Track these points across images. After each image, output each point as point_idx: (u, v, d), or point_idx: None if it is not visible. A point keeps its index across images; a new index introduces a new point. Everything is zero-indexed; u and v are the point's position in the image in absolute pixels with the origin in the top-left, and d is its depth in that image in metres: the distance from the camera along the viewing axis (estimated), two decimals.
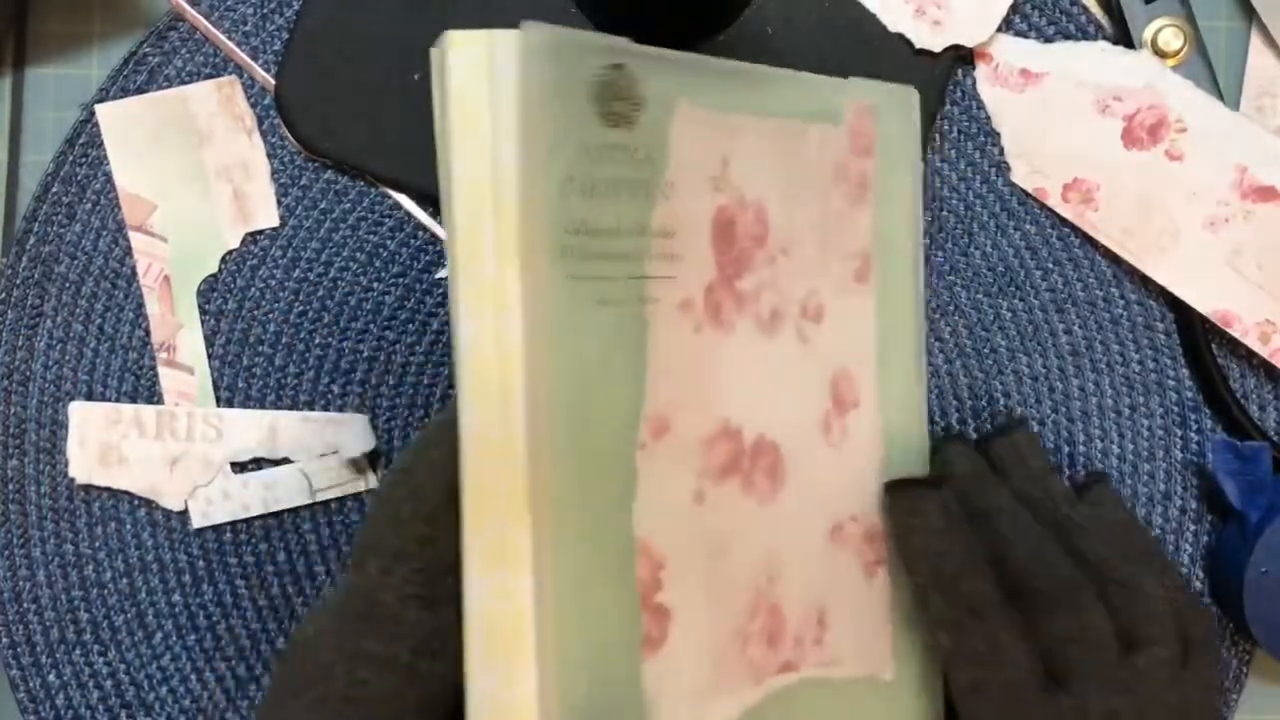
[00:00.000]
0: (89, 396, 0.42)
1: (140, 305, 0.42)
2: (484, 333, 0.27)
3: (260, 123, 0.43)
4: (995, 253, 0.43)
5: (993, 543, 0.34)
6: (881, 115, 0.37)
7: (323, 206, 0.43)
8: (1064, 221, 0.43)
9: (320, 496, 0.42)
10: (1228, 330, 0.41)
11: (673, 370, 0.30)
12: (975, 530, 0.34)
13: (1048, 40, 0.43)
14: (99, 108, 0.42)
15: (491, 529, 0.27)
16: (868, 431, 0.37)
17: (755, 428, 0.33)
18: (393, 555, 0.30)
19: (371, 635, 0.30)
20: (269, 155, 0.43)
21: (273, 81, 0.42)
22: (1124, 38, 0.42)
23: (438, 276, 0.43)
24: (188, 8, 0.43)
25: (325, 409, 0.42)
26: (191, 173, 0.43)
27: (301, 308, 0.43)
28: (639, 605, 0.29)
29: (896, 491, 0.35)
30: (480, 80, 0.27)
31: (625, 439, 0.29)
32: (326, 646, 0.30)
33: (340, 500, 0.42)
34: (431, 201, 0.43)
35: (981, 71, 0.42)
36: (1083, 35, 0.43)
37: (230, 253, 0.43)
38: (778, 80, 0.34)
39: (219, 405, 0.42)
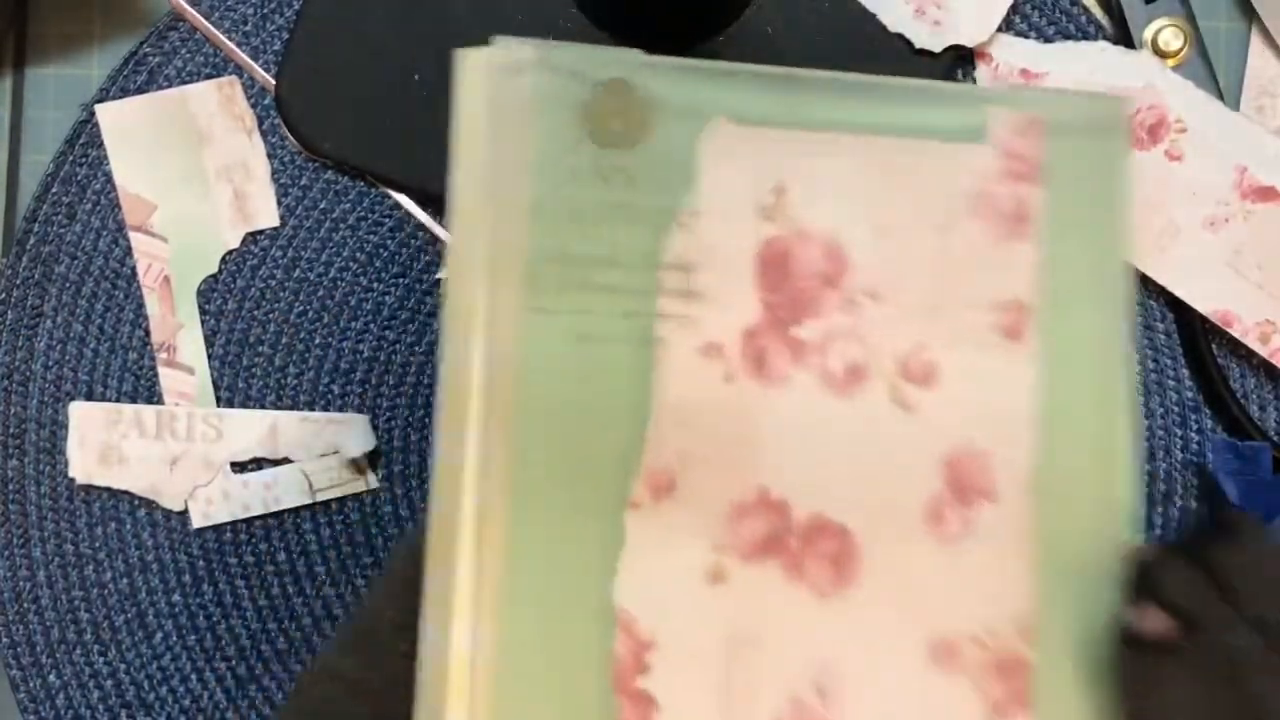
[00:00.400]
0: (89, 396, 0.42)
1: (140, 305, 0.42)
2: (455, 356, 0.26)
3: (260, 123, 0.43)
4: None
5: (1236, 700, 0.28)
6: (1055, 133, 0.30)
7: (323, 206, 0.43)
8: None
9: (320, 496, 0.42)
10: (1228, 330, 0.41)
11: (687, 423, 0.27)
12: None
13: (1048, 40, 0.43)
14: (99, 108, 0.42)
15: (441, 569, 0.25)
16: (1009, 533, 0.29)
17: (811, 504, 0.28)
18: (401, 583, 0.29)
19: (353, 656, 0.29)
20: (269, 155, 0.43)
21: (273, 81, 0.42)
22: (1124, 38, 0.42)
23: (438, 276, 0.43)
24: (188, 8, 0.43)
25: (325, 409, 0.42)
26: (191, 173, 0.43)
27: (301, 308, 0.43)
28: (611, 686, 0.26)
29: (1137, 650, 0.28)
30: (475, 98, 0.27)
31: (613, 494, 0.27)
32: (316, 660, 0.29)
33: (340, 500, 0.42)
34: (432, 201, 0.43)
35: (981, 72, 0.42)
36: (1083, 35, 0.43)
37: (230, 253, 0.43)
38: (879, 90, 0.29)
39: (219, 405, 0.42)
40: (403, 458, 0.42)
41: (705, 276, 0.28)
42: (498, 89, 0.27)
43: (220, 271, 0.43)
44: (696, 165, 0.28)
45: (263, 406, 0.42)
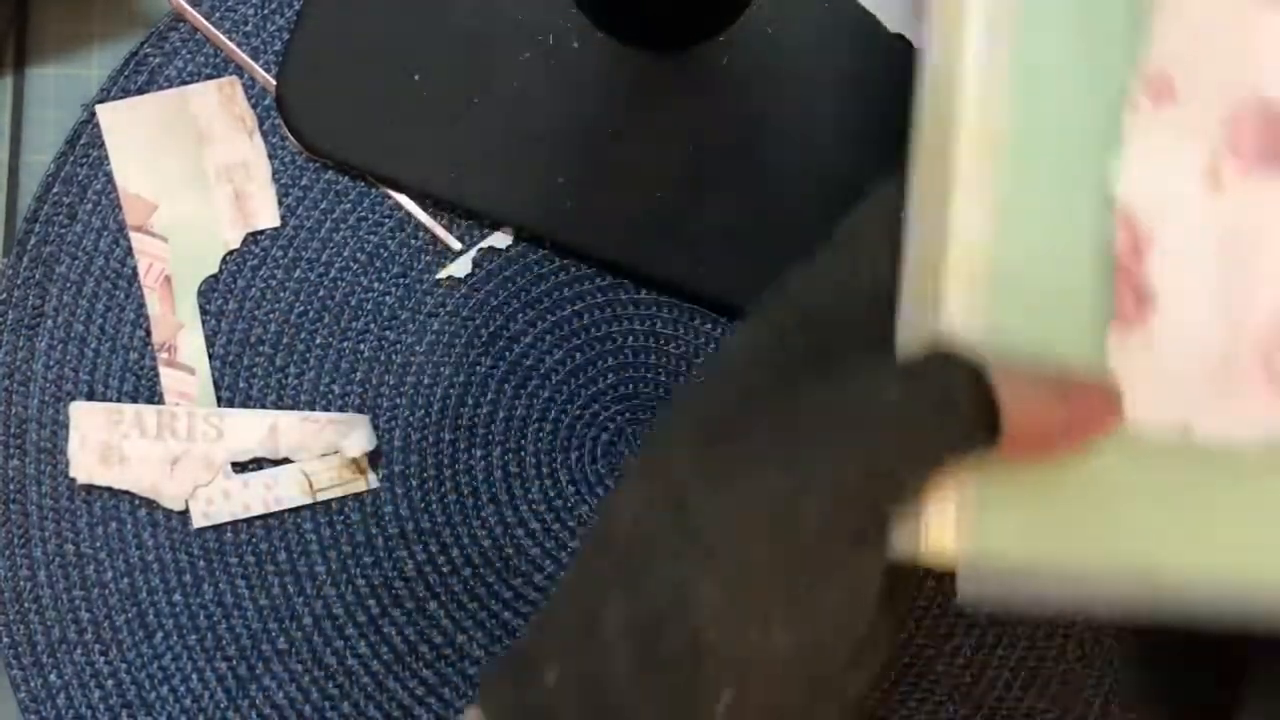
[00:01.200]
0: (90, 396, 0.42)
1: (141, 305, 0.42)
2: None
3: (261, 123, 0.43)
4: None
5: None
6: None
7: (323, 206, 0.43)
8: None
9: (320, 496, 0.42)
10: None
11: (1188, 27, 0.26)
12: None
13: None
14: (99, 108, 0.42)
15: (937, 160, 0.26)
16: None
17: None
18: (888, 198, 0.29)
19: (840, 258, 0.29)
20: (269, 155, 0.43)
21: (273, 82, 0.42)
22: None
23: (438, 276, 0.43)
24: (188, 8, 0.43)
25: (325, 409, 0.42)
26: (192, 173, 0.43)
27: (302, 308, 0.43)
28: (1110, 275, 0.26)
29: None
30: None
31: (1112, 90, 0.26)
32: (796, 274, 0.29)
33: (340, 500, 0.42)
34: (432, 201, 0.43)
35: None
36: None
37: (231, 253, 0.43)
38: None
39: (220, 405, 0.42)
40: (403, 458, 0.42)
41: None
42: None
43: (221, 271, 0.43)
44: None
45: (263, 406, 0.42)
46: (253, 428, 0.42)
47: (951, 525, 0.25)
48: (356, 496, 0.42)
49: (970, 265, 0.25)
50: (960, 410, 0.24)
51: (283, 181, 0.43)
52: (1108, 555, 0.26)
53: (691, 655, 0.24)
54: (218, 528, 0.42)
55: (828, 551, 0.24)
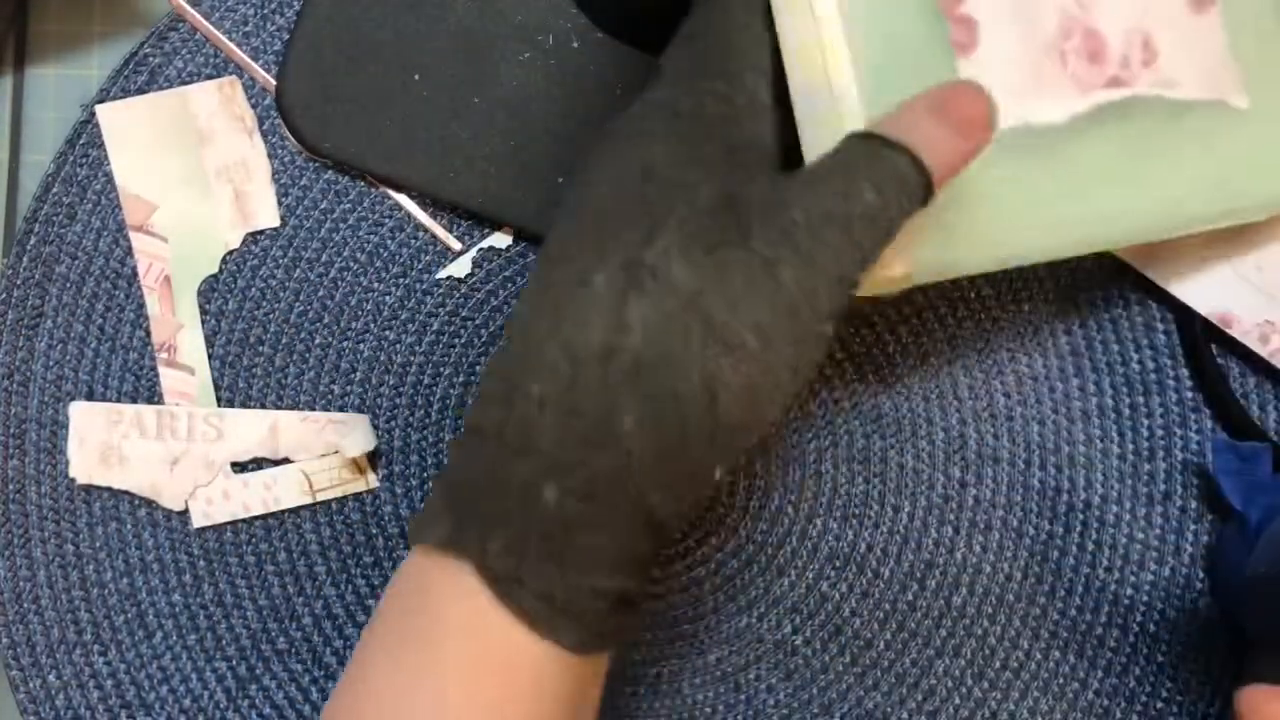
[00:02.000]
0: (89, 396, 0.42)
1: (141, 305, 0.42)
2: None
3: (261, 123, 0.43)
4: None
5: None
6: None
7: (323, 206, 0.43)
8: None
9: (320, 496, 0.42)
10: (1227, 331, 0.41)
11: None
12: None
13: None
14: (99, 108, 0.42)
15: None
16: None
17: None
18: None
19: (719, 80, 0.33)
20: (269, 155, 0.43)
21: (273, 82, 0.42)
22: None
23: (438, 276, 0.43)
24: (188, 8, 0.43)
25: (325, 409, 0.42)
26: (192, 173, 0.43)
27: (302, 308, 0.43)
28: (942, 14, 0.33)
29: None
30: None
31: None
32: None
33: (340, 500, 0.42)
34: (432, 201, 0.43)
35: None
36: None
37: (231, 253, 0.43)
38: None
39: (219, 405, 0.42)
40: (403, 458, 0.42)
41: None
42: None
43: (221, 271, 0.43)
44: None
45: (263, 406, 0.42)
46: (253, 428, 0.42)
47: (896, 261, 0.32)
48: (356, 496, 0.42)
49: (841, 48, 0.32)
50: (912, 190, 0.30)
51: (283, 181, 0.43)
52: (995, 222, 0.34)
53: (711, 435, 0.29)
54: (218, 528, 0.42)
55: (824, 327, 0.30)
